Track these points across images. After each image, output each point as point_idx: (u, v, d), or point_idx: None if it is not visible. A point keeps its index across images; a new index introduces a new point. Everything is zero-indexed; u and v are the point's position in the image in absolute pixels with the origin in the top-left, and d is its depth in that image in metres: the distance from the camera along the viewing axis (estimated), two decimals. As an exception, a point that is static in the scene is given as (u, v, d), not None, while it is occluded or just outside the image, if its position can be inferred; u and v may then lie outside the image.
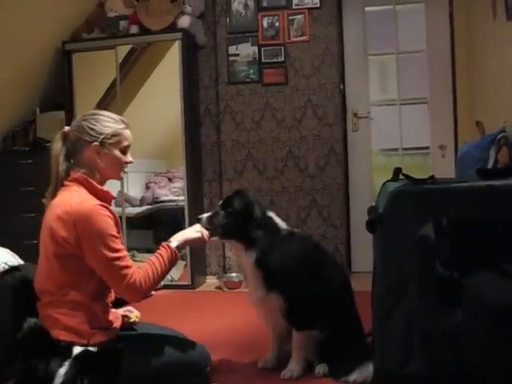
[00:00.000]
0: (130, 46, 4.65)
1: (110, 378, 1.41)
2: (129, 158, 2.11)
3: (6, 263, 2.07)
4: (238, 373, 2.42)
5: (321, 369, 2.32)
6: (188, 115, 4.42)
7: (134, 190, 5.13)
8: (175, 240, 2.09)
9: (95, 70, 4.70)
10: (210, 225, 2.26)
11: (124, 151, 2.08)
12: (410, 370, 1.62)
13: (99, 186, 2.02)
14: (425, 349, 1.61)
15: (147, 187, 5.36)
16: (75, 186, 1.98)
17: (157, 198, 5.18)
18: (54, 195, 2.00)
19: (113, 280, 1.92)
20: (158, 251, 2.03)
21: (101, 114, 2.08)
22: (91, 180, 2.00)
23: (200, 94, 4.72)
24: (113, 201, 2.14)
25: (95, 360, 1.42)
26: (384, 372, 1.70)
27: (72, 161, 2.03)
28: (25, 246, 2.71)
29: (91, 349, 1.47)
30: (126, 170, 2.12)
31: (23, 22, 4.08)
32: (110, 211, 1.96)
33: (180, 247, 2.09)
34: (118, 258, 1.89)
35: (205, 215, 2.31)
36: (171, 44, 4.48)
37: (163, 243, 2.06)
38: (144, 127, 4.76)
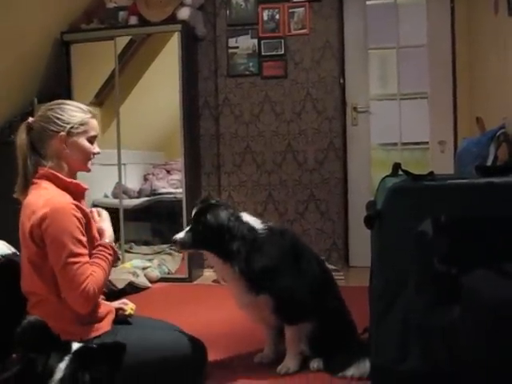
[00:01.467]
0: (129, 37, 4.64)
1: (111, 372, 1.40)
2: (96, 148, 2.05)
3: (2, 255, 2.05)
4: (234, 367, 2.41)
5: (315, 363, 2.32)
6: (187, 107, 4.39)
7: (132, 181, 5.12)
8: (110, 237, 1.99)
9: (94, 61, 4.67)
10: (183, 246, 2.25)
11: (91, 141, 2.02)
12: (407, 366, 1.62)
13: (68, 179, 1.96)
14: (422, 345, 1.61)
15: (145, 179, 5.35)
16: (44, 183, 1.93)
17: (155, 190, 5.17)
18: (24, 190, 1.96)
19: (66, 285, 1.81)
20: (102, 253, 1.92)
21: (67, 104, 2.02)
22: (59, 174, 1.94)
23: (199, 86, 4.70)
24: (85, 192, 2.06)
25: (96, 355, 1.41)
26: (380, 368, 1.69)
27: (40, 153, 1.97)
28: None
29: (91, 345, 1.46)
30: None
31: (22, 12, 4.05)
32: (80, 209, 1.88)
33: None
34: (76, 263, 1.80)
35: (178, 236, 2.23)
36: (170, 36, 4.45)
37: (103, 243, 1.95)
38: (142, 119, 4.75)
